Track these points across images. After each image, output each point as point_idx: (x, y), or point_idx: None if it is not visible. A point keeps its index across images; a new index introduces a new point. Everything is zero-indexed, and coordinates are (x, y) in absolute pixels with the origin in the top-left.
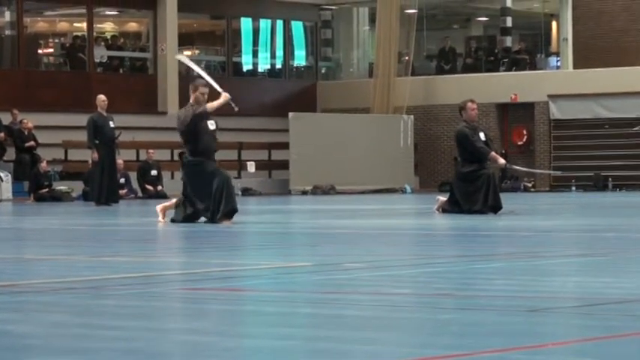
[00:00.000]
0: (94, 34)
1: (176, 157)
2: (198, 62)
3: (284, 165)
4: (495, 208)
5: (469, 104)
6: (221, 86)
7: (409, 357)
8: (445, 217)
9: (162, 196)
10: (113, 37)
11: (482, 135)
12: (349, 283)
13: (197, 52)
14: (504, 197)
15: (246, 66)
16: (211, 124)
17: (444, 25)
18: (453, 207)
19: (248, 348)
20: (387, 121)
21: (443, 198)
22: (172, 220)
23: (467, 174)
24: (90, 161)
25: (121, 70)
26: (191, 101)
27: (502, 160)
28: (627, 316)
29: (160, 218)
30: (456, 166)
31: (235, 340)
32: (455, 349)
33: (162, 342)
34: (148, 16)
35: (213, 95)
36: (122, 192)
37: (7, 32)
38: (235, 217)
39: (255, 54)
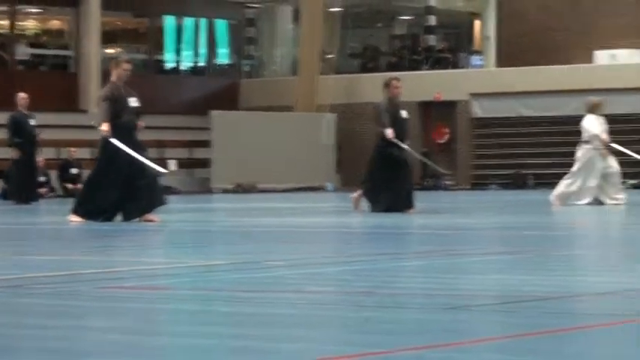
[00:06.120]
0: (16, 31)
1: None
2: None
3: (206, 163)
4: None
5: (394, 82)
6: (143, 84)
7: (330, 354)
8: (366, 215)
9: None
10: (36, 34)
11: (404, 113)
12: (270, 282)
13: (120, 50)
14: (425, 195)
15: (170, 64)
16: (133, 101)
17: (367, 23)
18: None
19: (170, 346)
20: (309, 120)
21: (357, 194)
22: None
23: (389, 156)
24: (11, 159)
25: (42, 68)
26: (113, 78)
27: (390, 136)
28: (546, 314)
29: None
30: (377, 143)
31: (157, 339)
32: (376, 347)
33: (85, 341)
34: (70, 13)
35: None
36: (42, 190)
37: None
38: (156, 215)
39: (178, 52)
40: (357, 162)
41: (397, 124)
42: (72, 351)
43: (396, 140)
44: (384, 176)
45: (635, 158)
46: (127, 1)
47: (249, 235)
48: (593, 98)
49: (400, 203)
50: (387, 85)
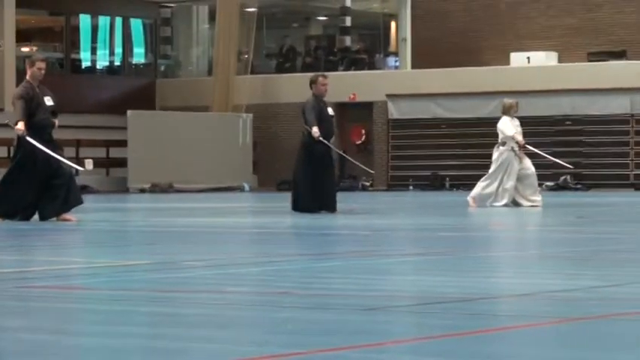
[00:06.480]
0: None
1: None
2: None
3: (122, 163)
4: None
5: (320, 79)
6: (59, 83)
7: (247, 355)
8: (284, 216)
9: None
10: None
11: (330, 110)
12: (188, 282)
13: (35, 48)
14: (343, 196)
15: (85, 63)
16: (48, 100)
17: (283, 23)
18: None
19: (86, 346)
20: (225, 120)
21: None
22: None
23: (314, 154)
24: None
25: None
26: (27, 77)
27: (316, 134)
28: (463, 315)
29: None
30: (303, 140)
31: (73, 339)
32: (292, 348)
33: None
34: None
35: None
36: None
37: None
38: (72, 215)
39: (93, 51)
40: (273, 162)
41: (324, 121)
42: None
43: (322, 139)
44: (309, 175)
45: (550, 160)
46: None
47: (167, 235)
48: (507, 100)
49: (322, 203)
50: (314, 82)
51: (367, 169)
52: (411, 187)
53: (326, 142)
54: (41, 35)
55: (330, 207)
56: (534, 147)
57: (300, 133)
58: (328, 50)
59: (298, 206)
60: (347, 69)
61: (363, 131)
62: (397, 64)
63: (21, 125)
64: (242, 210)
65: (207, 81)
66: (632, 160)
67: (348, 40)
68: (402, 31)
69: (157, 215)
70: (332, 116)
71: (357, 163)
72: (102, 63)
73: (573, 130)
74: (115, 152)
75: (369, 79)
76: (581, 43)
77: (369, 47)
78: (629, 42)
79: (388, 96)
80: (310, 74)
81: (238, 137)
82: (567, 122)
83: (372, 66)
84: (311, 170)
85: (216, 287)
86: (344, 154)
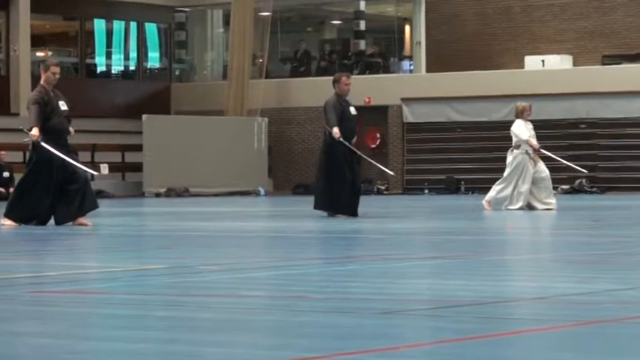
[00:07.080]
0: None
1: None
2: None
3: (138, 167)
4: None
5: (344, 78)
6: (73, 88)
7: (263, 359)
8: (300, 220)
9: None
10: None
11: (352, 110)
12: (203, 286)
13: (50, 53)
14: None
15: (100, 67)
16: (62, 105)
17: (298, 28)
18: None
19: (102, 351)
20: (240, 124)
21: None
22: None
23: (335, 155)
24: None
25: None
26: (42, 82)
27: (337, 135)
28: (479, 318)
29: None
30: (325, 139)
31: (89, 343)
32: (309, 352)
33: (14, 345)
34: (0, 17)
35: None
36: None
37: None
38: (88, 219)
39: (108, 55)
40: (288, 166)
41: (346, 121)
42: (0, 356)
43: (342, 139)
44: (324, 175)
45: (563, 164)
46: (56, 3)
47: (183, 239)
48: (521, 103)
49: (338, 205)
50: (337, 81)
51: (389, 171)
52: (426, 191)
53: (346, 143)
54: (56, 40)
55: (348, 210)
56: (549, 150)
57: (318, 134)
58: (343, 54)
59: (317, 205)
60: (361, 73)
61: (378, 135)
62: (412, 67)
63: (35, 131)
64: (257, 214)
65: (222, 85)
66: None
67: (362, 44)
68: (416, 35)
69: (173, 219)
70: (355, 116)
71: (379, 165)
72: (117, 67)
73: (588, 134)
74: (131, 157)
75: (384, 82)
76: (595, 47)
77: (384, 51)
78: None
79: (403, 100)
80: (324, 78)
81: (253, 141)
82: (582, 125)
83: (386, 70)
84: (329, 171)
85: (231, 291)
86: (364, 156)
